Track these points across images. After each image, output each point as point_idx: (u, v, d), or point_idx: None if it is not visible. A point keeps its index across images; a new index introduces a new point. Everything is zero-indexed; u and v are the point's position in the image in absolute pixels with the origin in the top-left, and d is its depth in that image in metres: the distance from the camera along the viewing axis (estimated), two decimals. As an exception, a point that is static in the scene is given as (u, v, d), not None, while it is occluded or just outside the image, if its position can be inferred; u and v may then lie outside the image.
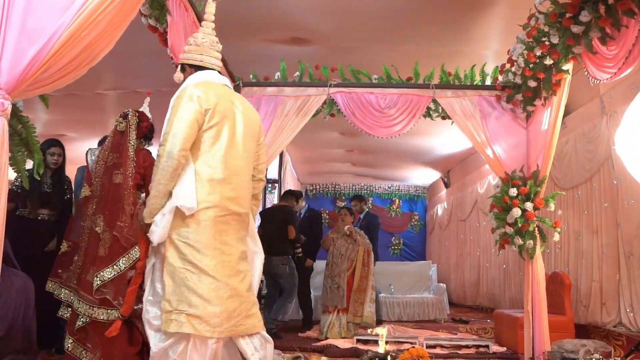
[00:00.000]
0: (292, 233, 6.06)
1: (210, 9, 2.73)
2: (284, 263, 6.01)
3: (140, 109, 3.81)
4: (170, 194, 2.38)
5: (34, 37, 1.82)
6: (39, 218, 4.42)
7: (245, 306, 2.40)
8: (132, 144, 3.43)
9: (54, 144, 4.53)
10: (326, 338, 5.63)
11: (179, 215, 2.36)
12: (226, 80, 2.68)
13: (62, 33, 1.86)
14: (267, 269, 5.97)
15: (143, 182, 3.50)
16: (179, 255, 2.33)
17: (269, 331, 5.92)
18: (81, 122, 8.19)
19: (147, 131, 3.70)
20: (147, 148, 3.77)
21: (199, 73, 2.61)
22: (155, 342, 2.33)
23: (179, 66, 2.70)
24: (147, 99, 4.09)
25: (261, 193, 2.83)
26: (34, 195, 4.35)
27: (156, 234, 2.36)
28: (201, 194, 2.38)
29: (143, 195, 3.62)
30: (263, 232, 6.24)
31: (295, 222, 6.25)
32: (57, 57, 1.86)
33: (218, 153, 2.45)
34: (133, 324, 3.22)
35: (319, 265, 7.23)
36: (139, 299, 2.70)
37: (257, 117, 2.75)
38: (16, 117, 2.17)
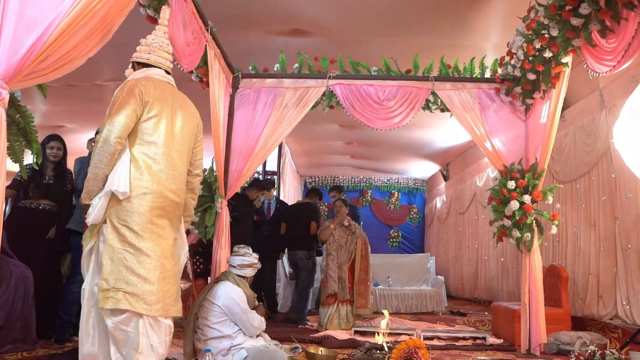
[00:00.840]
0: (314, 229, 6.35)
1: (165, 14, 2.94)
2: (308, 257, 6.34)
3: None
4: (107, 179, 2.53)
5: (31, 26, 1.81)
6: (40, 208, 4.48)
7: (175, 288, 2.57)
8: None
9: (54, 138, 4.66)
10: (325, 330, 5.65)
11: (118, 199, 2.49)
12: (170, 79, 2.83)
13: (60, 22, 1.85)
14: (293, 261, 6.36)
15: None
16: (119, 238, 2.47)
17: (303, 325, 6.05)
18: (80, 113, 8.16)
19: None
20: None
21: (144, 69, 2.77)
22: (108, 319, 2.45)
23: (130, 64, 2.86)
24: None
25: (198, 187, 2.98)
26: (35, 186, 4.41)
27: (91, 216, 2.50)
28: (139, 181, 2.53)
29: None
30: (287, 227, 6.46)
31: (318, 219, 6.55)
32: (55, 46, 1.86)
33: (157, 144, 2.60)
34: None
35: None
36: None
37: (197, 115, 2.87)
38: (14, 107, 2.17)
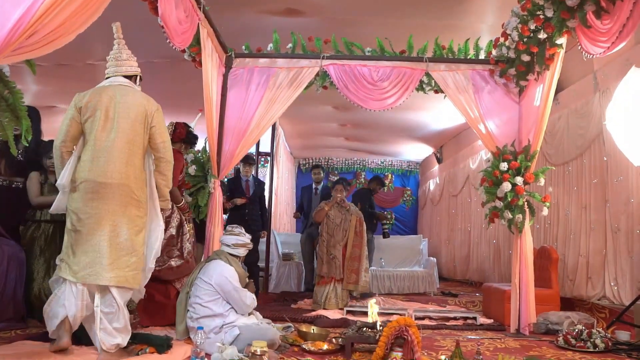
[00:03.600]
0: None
1: (116, 29, 3.36)
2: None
3: (191, 123, 4.71)
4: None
5: (18, 0, 1.78)
6: (13, 186, 4.31)
7: (100, 260, 2.93)
8: None
9: None
10: (323, 309, 5.69)
11: (71, 190, 3.05)
12: (119, 81, 3.24)
13: (47, -4, 1.82)
14: None
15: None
16: (69, 219, 3.03)
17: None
18: (72, 94, 7.84)
19: (184, 136, 4.49)
20: (187, 150, 4.73)
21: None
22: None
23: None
24: (199, 115, 4.78)
25: (168, 169, 3.28)
26: (8, 163, 4.27)
27: (52, 206, 3.15)
28: (79, 173, 3.02)
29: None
30: None
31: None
32: (43, 21, 1.83)
33: (93, 138, 3.04)
34: (169, 282, 4.05)
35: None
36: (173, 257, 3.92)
37: (141, 105, 3.16)
38: (2, 82, 2.15)
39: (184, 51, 4.60)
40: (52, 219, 4.12)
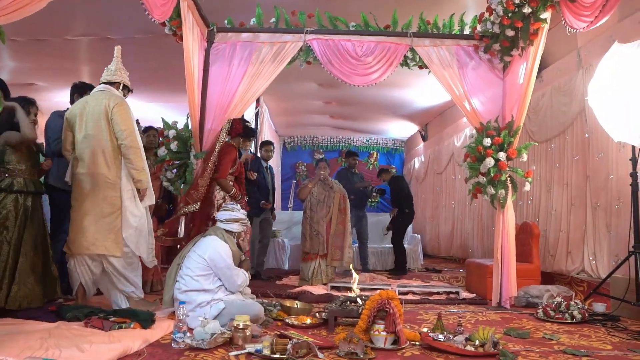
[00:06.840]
0: None
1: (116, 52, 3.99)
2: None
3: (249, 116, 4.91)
4: None
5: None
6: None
7: (84, 234, 3.65)
8: (220, 140, 4.66)
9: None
10: (311, 285, 5.72)
11: None
12: (100, 87, 3.87)
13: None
14: None
15: (215, 167, 4.61)
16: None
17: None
18: (51, 70, 7.86)
19: (241, 131, 4.86)
20: (246, 144, 5.42)
21: None
22: None
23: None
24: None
25: (131, 153, 3.72)
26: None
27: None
28: (72, 168, 3.82)
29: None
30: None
31: None
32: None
33: (75, 140, 3.80)
34: None
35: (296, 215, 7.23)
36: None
37: (102, 104, 3.74)
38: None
39: (164, 24, 4.50)
40: (19, 189, 3.63)
